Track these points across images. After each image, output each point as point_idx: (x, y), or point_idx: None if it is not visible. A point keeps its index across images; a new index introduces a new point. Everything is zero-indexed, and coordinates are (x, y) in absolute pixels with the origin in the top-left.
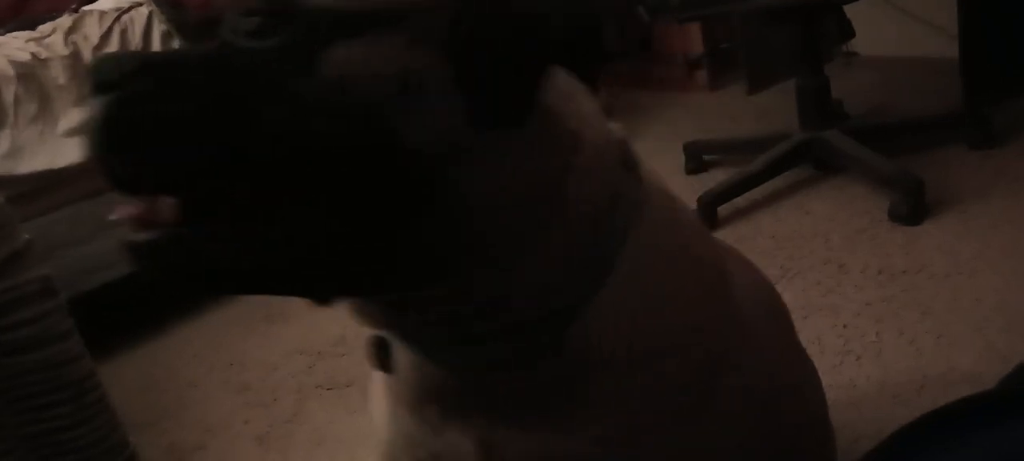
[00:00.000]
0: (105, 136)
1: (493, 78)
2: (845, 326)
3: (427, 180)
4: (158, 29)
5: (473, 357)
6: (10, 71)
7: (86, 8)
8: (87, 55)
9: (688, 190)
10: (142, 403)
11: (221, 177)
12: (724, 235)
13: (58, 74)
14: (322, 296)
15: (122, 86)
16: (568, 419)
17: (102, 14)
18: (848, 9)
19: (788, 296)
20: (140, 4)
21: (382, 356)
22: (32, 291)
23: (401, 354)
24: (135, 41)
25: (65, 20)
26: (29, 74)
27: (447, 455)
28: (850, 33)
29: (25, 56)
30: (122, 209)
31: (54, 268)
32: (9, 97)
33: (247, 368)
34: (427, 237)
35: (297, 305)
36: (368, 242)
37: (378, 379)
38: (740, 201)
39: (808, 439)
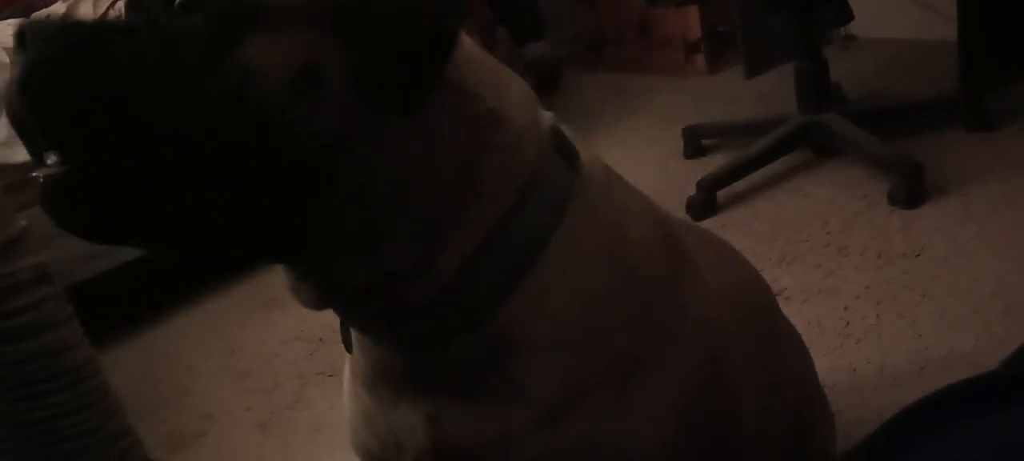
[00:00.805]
0: (22, 86)
1: (383, 65)
2: (845, 309)
3: (320, 167)
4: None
5: (400, 336)
6: (4, 58)
7: None
8: None
9: (687, 174)
10: (141, 391)
11: (119, 141)
12: (724, 219)
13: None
14: (222, 261)
15: (42, 48)
16: (503, 397)
17: (96, 1)
18: None
19: (788, 280)
20: None
21: (346, 336)
22: (28, 278)
23: (355, 335)
24: None
25: (59, 7)
26: None
27: (401, 430)
28: (848, 16)
29: None
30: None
31: (52, 257)
32: (3, 84)
33: (247, 355)
34: (327, 215)
35: None
36: (267, 217)
37: (347, 360)
38: (739, 185)
39: (790, 425)
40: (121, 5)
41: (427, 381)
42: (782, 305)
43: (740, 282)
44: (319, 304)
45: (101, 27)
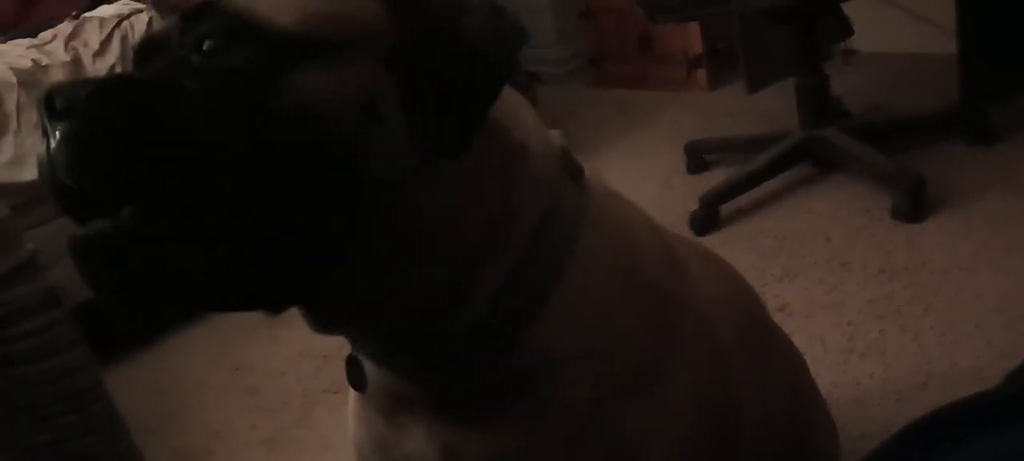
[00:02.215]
0: (70, 156)
1: (437, 106)
2: (848, 324)
3: (379, 202)
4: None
5: (428, 366)
6: (12, 78)
7: (87, 15)
8: (88, 61)
9: (690, 189)
10: (149, 408)
11: (179, 192)
12: (726, 234)
13: (59, 80)
14: (271, 307)
15: (76, 113)
16: (526, 417)
17: (102, 21)
18: (847, 6)
19: (790, 295)
20: (140, 10)
21: (355, 374)
22: (36, 303)
23: (370, 365)
24: None
25: (66, 27)
26: (31, 81)
27: (415, 455)
28: (849, 31)
29: (26, 63)
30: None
31: (58, 276)
32: (11, 104)
33: (254, 373)
34: (375, 252)
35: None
36: (320, 257)
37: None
38: (741, 200)
39: (788, 429)
40: (126, 25)
41: (446, 407)
42: (785, 320)
43: (732, 292)
44: (345, 331)
45: (136, 81)
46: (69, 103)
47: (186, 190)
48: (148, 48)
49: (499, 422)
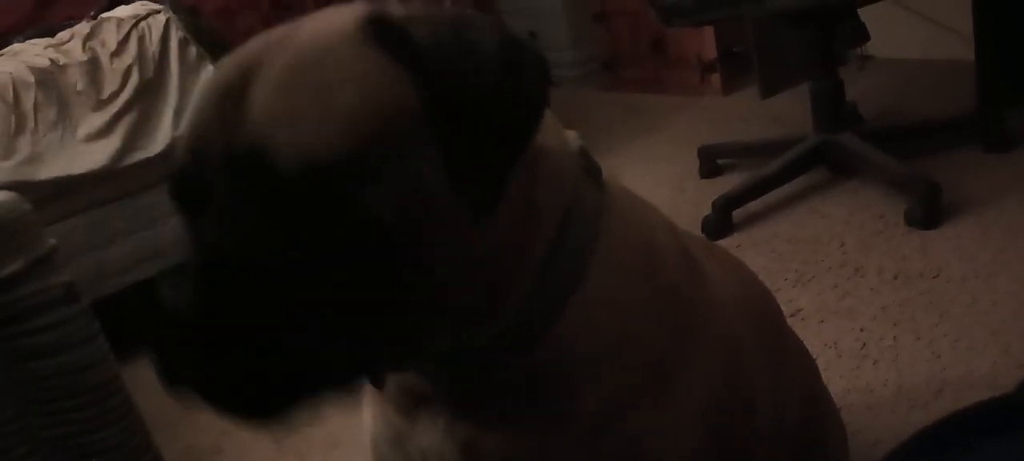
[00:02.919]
0: (198, 375)
1: (470, 177)
2: (862, 330)
3: (433, 266)
4: (175, 36)
5: (452, 367)
6: (29, 77)
7: (104, 15)
8: (105, 61)
9: (703, 193)
10: (159, 407)
11: (263, 336)
12: (739, 238)
13: (76, 80)
14: (351, 388)
15: (185, 321)
16: (545, 416)
17: (120, 21)
18: (862, 11)
19: (804, 300)
20: (158, 11)
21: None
22: (56, 296)
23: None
24: (152, 48)
25: (83, 27)
26: (48, 80)
27: (433, 453)
28: (865, 36)
29: (44, 62)
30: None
31: (77, 272)
32: (29, 103)
33: None
34: (427, 297)
35: None
36: (405, 324)
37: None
38: (755, 205)
39: (799, 431)
40: (144, 26)
41: (466, 405)
42: (798, 325)
43: (745, 291)
44: None
45: (218, 255)
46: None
47: (272, 331)
48: (189, 192)
49: (518, 420)
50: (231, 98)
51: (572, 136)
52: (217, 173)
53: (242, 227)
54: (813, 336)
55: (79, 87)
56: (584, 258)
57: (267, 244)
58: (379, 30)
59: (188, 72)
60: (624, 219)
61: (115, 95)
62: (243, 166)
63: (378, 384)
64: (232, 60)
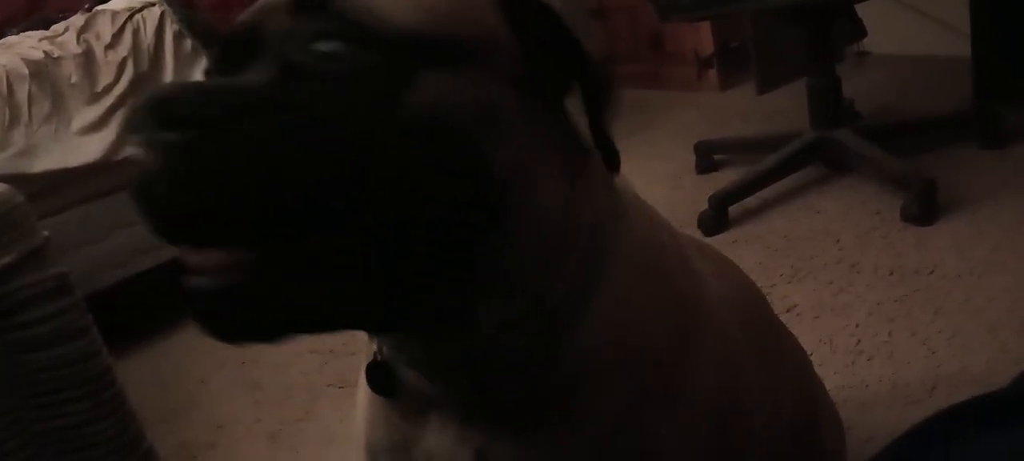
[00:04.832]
0: (172, 187)
1: (597, 120)
2: (857, 326)
3: (505, 205)
4: (170, 29)
5: (474, 376)
6: (23, 69)
7: (99, 8)
8: (99, 54)
9: (699, 189)
10: (154, 401)
11: (308, 221)
12: (735, 234)
13: (71, 72)
14: (390, 327)
15: (186, 125)
16: (553, 425)
17: (114, 14)
18: (860, 8)
19: (799, 296)
20: (152, 4)
21: (383, 381)
22: (50, 288)
23: (400, 368)
24: (147, 41)
25: (78, 19)
26: (42, 72)
27: (442, 458)
28: (862, 32)
29: (38, 54)
30: (198, 258)
31: (67, 266)
32: (23, 95)
33: (258, 366)
34: (498, 258)
35: None
36: (443, 268)
37: (363, 385)
38: (751, 201)
39: (794, 426)
40: (138, 19)
41: (480, 411)
42: (794, 321)
43: (738, 291)
44: (393, 345)
45: (251, 93)
46: (186, 118)
47: (322, 217)
48: (239, 44)
49: (534, 427)
50: None
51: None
52: (278, 22)
53: (293, 80)
54: (808, 332)
55: (73, 80)
56: (605, 261)
57: (325, 118)
58: None
59: (183, 65)
60: (638, 222)
61: (110, 88)
62: (304, 16)
63: (388, 392)
64: None
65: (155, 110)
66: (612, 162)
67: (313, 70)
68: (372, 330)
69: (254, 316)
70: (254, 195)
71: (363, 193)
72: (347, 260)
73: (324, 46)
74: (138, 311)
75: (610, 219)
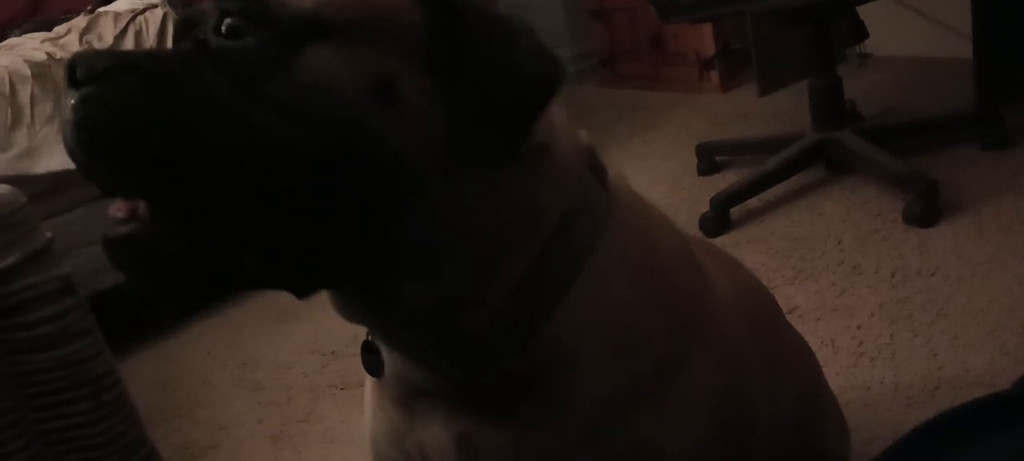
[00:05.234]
0: (78, 133)
1: (482, 124)
2: (859, 327)
3: (402, 189)
4: (172, 31)
5: (451, 359)
6: (26, 71)
7: (101, 9)
8: None
9: (701, 191)
10: (155, 402)
11: (190, 179)
12: (737, 236)
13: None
14: (294, 289)
15: (95, 83)
16: (543, 414)
17: (117, 15)
18: (862, 9)
19: (801, 298)
20: (155, 5)
21: (372, 360)
22: (53, 289)
23: (387, 353)
24: (149, 42)
25: (80, 21)
26: (44, 74)
27: (431, 448)
28: (863, 34)
29: (41, 56)
30: (115, 207)
31: (69, 267)
32: (25, 97)
33: (260, 367)
34: (397, 237)
35: (309, 305)
36: (343, 238)
37: (369, 377)
38: (753, 202)
39: (798, 426)
40: (141, 20)
41: (463, 400)
42: (796, 323)
43: (745, 290)
44: (369, 324)
45: (155, 58)
46: (88, 74)
47: (202, 177)
48: (185, 25)
49: (515, 415)
50: None
51: (583, 134)
52: (208, 7)
53: (197, 51)
54: (810, 334)
55: None
56: (583, 256)
57: (216, 90)
58: None
59: None
60: (628, 219)
61: None
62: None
63: (375, 372)
64: None
65: (67, 68)
66: (490, 154)
67: (216, 44)
68: (275, 287)
69: (148, 263)
70: (141, 146)
71: (245, 157)
72: (232, 218)
73: (229, 23)
74: (141, 312)
75: (591, 213)
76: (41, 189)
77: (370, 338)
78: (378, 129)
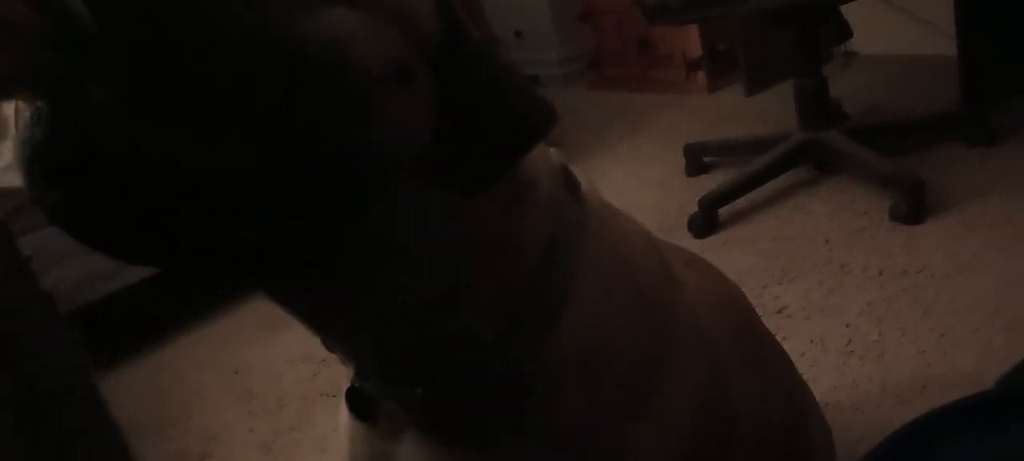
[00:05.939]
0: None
1: (468, 150)
2: (847, 326)
3: (381, 176)
4: None
5: (430, 385)
6: None
7: None
8: None
9: (689, 192)
10: (147, 411)
11: (166, 90)
12: (725, 236)
13: None
14: (232, 278)
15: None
16: (526, 433)
17: None
18: (846, 8)
19: (789, 297)
20: None
21: (360, 406)
22: (32, 305)
23: (370, 384)
24: None
25: None
26: None
27: None
28: (848, 33)
29: None
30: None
31: (58, 279)
32: (9, 109)
33: (251, 376)
34: (370, 233)
35: None
36: (314, 221)
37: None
38: (741, 202)
39: (782, 433)
40: None
41: (448, 428)
42: (784, 322)
43: (722, 298)
44: (337, 348)
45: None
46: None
47: (181, 91)
48: None
49: (500, 443)
50: None
51: (554, 154)
52: None
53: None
54: (798, 333)
55: None
56: (569, 283)
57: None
58: None
59: None
60: (603, 234)
61: None
62: None
63: (367, 418)
64: None
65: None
66: (466, 180)
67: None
68: (211, 271)
69: (88, 151)
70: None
71: (229, 98)
72: (199, 161)
73: None
74: (132, 322)
75: (570, 238)
76: (24, 202)
77: (356, 382)
78: (385, 105)
